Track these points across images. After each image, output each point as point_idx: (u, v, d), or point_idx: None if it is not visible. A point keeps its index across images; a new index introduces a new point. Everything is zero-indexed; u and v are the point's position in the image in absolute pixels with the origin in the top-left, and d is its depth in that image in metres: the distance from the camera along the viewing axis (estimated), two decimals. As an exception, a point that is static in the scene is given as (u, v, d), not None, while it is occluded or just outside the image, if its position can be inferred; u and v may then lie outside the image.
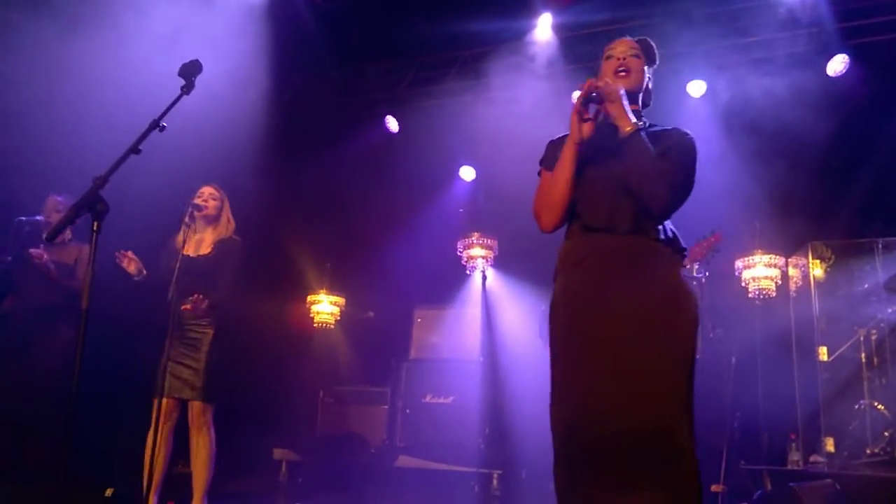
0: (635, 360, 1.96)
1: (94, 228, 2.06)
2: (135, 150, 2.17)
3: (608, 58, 2.33)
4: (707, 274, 5.21)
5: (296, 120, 6.51)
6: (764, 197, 5.15)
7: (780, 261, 5.17)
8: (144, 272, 3.76)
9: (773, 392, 5.17)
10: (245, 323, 4.88)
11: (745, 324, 5.24)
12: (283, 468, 5.73)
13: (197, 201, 3.87)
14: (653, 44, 2.38)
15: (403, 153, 6.47)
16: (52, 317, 4.22)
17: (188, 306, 3.67)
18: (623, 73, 2.28)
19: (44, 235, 4.12)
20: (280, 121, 6.19)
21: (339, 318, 6.44)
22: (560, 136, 2.32)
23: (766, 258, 5.14)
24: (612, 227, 2.11)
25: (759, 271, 5.16)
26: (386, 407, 5.94)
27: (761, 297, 5.16)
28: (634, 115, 2.18)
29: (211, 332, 3.75)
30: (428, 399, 5.76)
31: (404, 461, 5.47)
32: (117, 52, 4.25)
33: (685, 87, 5.81)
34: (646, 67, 2.34)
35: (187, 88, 2.35)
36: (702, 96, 5.83)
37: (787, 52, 5.50)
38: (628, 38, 2.36)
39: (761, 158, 5.17)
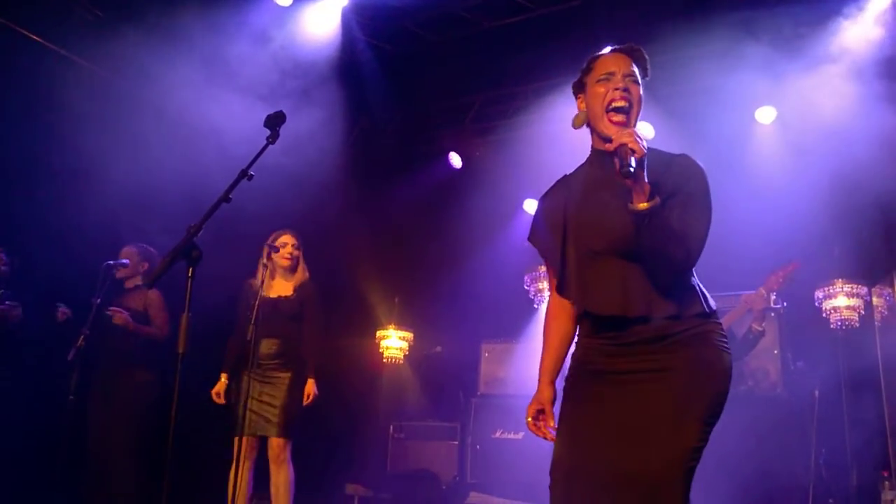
0: (633, 458, 1.80)
1: (189, 275, 2.14)
2: (226, 198, 2.26)
3: (606, 77, 1.95)
4: (785, 304, 5.06)
5: (363, 160, 6.67)
6: (843, 223, 4.99)
7: (863, 290, 4.96)
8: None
9: (860, 426, 4.93)
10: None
11: (828, 355, 5.04)
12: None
13: (282, 252, 4.01)
14: (646, 55, 2.04)
15: (468, 188, 6.53)
16: (130, 362, 4.31)
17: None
18: (624, 102, 1.92)
19: (144, 282, 4.35)
20: (347, 161, 6.36)
21: (407, 353, 6.48)
22: (549, 191, 2.11)
23: (847, 287, 4.94)
24: (625, 315, 1.86)
25: (841, 301, 4.96)
26: (456, 442, 5.91)
27: (843, 327, 4.97)
28: None
29: (290, 374, 3.90)
30: (498, 435, 5.71)
31: (476, 498, 5.41)
32: (200, 105, 4.46)
33: (754, 113, 5.71)
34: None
35: (273, 138, 2.43)
36: (772, 122, 5.71)
37: (857, 73, 5.35)
38: (622, 53, 2.00)
39: (838, 184, 5.01)
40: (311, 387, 3.92)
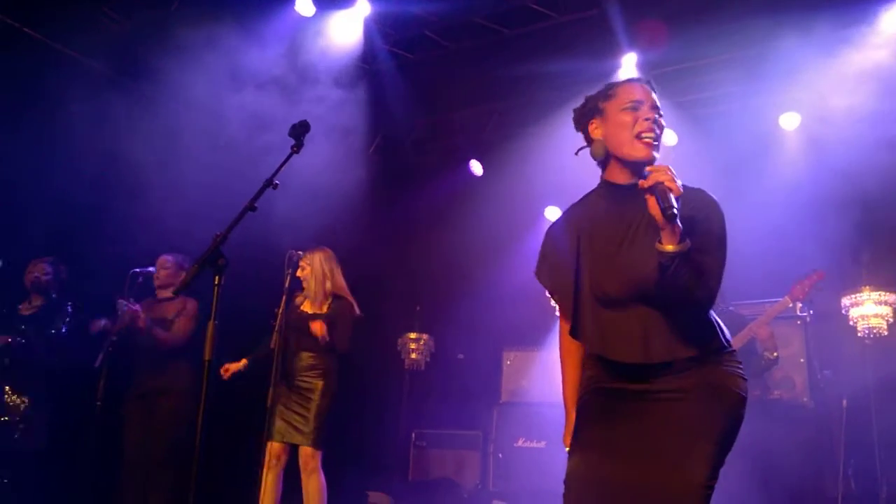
0: (648, 478, 1.76)
1: (216, 282, 2.17)
2: (251, 207, 2.28)
3: (634, 106, 1.87)
4: (811, 313, 4.99)
5: (384, 167, 6.71)
6: (871, 230, 4.91)
7: (891, 297, 4.88)
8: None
9: (890, 437, 4.85)
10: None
11: (856, 364, 4.96)
12: (378, 512, 5.76)
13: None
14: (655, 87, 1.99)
15: (489, 196, 6.53)
16: (170, 377, 4.27)
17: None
18: (651, 140, 1.84)
19: (173, 290, 4.21)
20: (369, 168, 6.40)
21: (429, 360, 6.48)
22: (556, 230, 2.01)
23: (875, 295, 4.86)
24: (647, 361, 1.80)
25: (868, 309, 4.88)
26: (478, 451, 5.90)
27: (872, 336, 4.89)
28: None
29: (321, 382, 3.97)
30: (520, 443, 5.68)
31: (498, 506, 5.40)
32: (223, 112, 4.51)
33: (778, 119, 5.66)
34: None
35: (297, 147, 2.45)
36: (796, 128, 5.65)
37: (884, 78, 5.28)
38: (647, 86, 1.92)
39: (865, 190, 4.95)
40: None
